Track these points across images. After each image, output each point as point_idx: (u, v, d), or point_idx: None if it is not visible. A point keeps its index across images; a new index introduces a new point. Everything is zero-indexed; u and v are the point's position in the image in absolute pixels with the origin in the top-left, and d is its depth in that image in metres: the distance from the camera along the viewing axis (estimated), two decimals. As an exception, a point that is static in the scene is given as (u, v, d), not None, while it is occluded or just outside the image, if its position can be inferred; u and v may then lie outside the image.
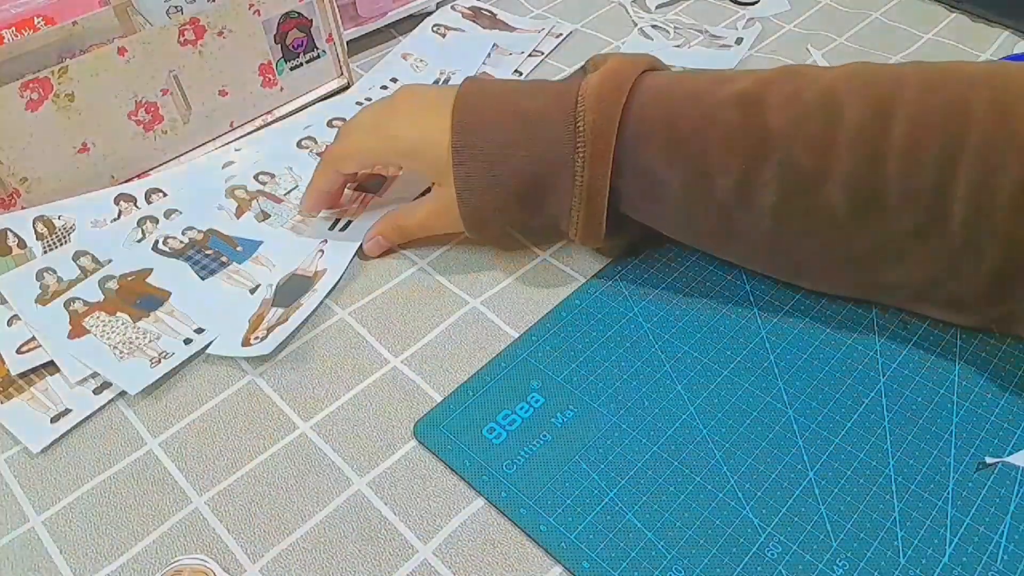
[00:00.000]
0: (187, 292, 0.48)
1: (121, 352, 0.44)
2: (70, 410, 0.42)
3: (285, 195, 0.54)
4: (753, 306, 0.45)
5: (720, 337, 0.43)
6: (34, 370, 0.44)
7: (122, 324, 0.45)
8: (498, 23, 0.71)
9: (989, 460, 0.37)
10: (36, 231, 0.51)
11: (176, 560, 0.36)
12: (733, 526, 0.36)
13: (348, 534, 0.37)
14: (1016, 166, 0.34)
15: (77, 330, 0.45)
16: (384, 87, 0.64)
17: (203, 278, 0.48)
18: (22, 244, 0.50)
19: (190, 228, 0.52)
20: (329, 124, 0.60)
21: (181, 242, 0.51)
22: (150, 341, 0.45)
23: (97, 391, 0.43)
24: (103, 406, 0.42)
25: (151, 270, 0.49)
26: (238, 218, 0.52)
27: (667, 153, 0.41)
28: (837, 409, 0.40)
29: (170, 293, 0.47)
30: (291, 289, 0.47)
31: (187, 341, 0.45)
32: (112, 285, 0.48)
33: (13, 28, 0.55)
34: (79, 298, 0.47)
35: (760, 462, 0.38)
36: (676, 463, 0.38)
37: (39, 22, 0.55)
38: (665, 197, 0.42)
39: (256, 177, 0.56)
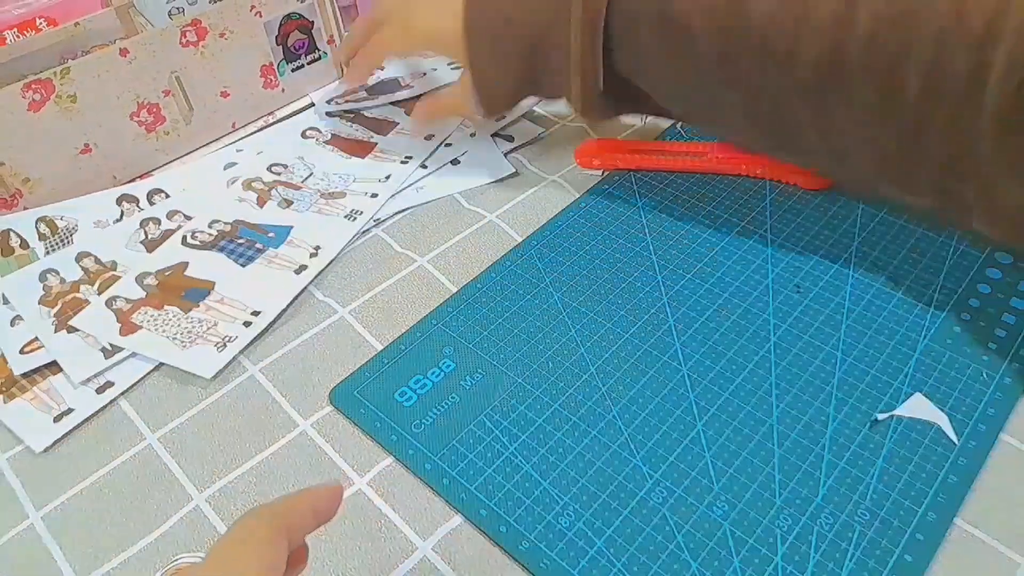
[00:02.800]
0: (231, 279, 0.48)
1: (182, 342, 0.44)
2: (73, 409, 0.42)
3: (303, 182, 0.55)
4: (657, 274, 0.47)
5: (625, 303, 0.46)
6: (37, 370, 0.44)
7: (174, 316, 0.46)
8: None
9: (880, 416, 0.39)
10: (38, 232, 0.51)
11: (177, 558, 0.36)
12: (623, 474, 0.38)
13: (349, 532, 0.37)
14: (966, 60, 0.36)
15: (128, 327, 0.45)
16: (385, 88, 0.64)
17: (243, 265, 0.49)
18: (24, 245, 0.51)
19: (216, 221, 0.52)
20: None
21: (210, 235, 0.51)
22: (207, 329, 0.45)
23: (100, 390, 0.43)
24: (105, 406, 0.42)
25: (187, 263, 0.49)
26: (261, 207, 0.53)
27: (656, 33, 0.44)
28: (728, 366, 0.42)
29: (214, 283, 0.48)
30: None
31: (246, 324, 0.45)
32: (151, 281, 0.48)
33: (15, 29, 0.55)
34: (119, 296, 0.47)
35: (653, 416, 0.40)
36: (575, 419, 0.40)
37: (41, 23, 0.55)
38: (657, 74, 0.46)
39: (269, 168, 0.56)
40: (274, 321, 0.46)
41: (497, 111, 0.53)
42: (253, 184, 0.54)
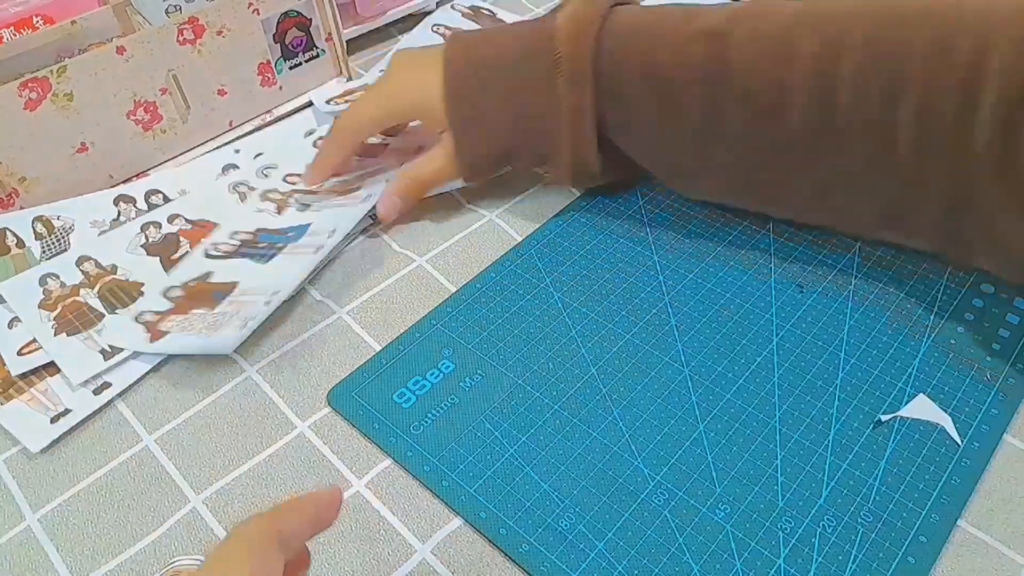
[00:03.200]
0: (253, 276, 0.48)
1: (208, 333, 0.44)
2: (70, 410, 0.42)
3: (319, 187, 0.54)
4: (659, 274, 0.47)
5: (626, 304, 0.46)
6: (34, 371, 0.44)
7: (199, 316, 0.46)
8: (497, 22, 0.71)
9: (884, 417, 0.39)
10: (35, 231, 0.51)
11: (175, 560, 0.36)
12: (624, 476, 0.38)
13: (347, 535, 0.36)
14: (954, 100, 0.36)
15: (156, 335, 0.45)
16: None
17: (264, 263, 0.49)
18: (21, 244, 0.50)
19: (237, 232, 0.52)
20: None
21: (232, 245, 0.51)
22: (231, 318, 0.45)
23: (97, 391, 0.43)
24: (102, 406, 0.42)
25: (211, 272, 0.49)
26: (280, 214, 0.53)
27: (642, 85, 0.44)
28: (731, 367, 0.42)
29: (237, 282, 0.48)
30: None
31: (266, 303, 0.45)
32: (177, 293, 0.48)
33: (12, 27, 0.55)
34: (147, 310, 0.47)
35: (655, 417, 0.40)
36: (575, 420, 0.40)
37: (38, 21, 0.55)
38: (644, 127, 0.46)
39: (284, 179, 0.56)
40: (273, 316, 0.45)
41: (479, 177, 0.51)
42: (270, 195, 0.54)
